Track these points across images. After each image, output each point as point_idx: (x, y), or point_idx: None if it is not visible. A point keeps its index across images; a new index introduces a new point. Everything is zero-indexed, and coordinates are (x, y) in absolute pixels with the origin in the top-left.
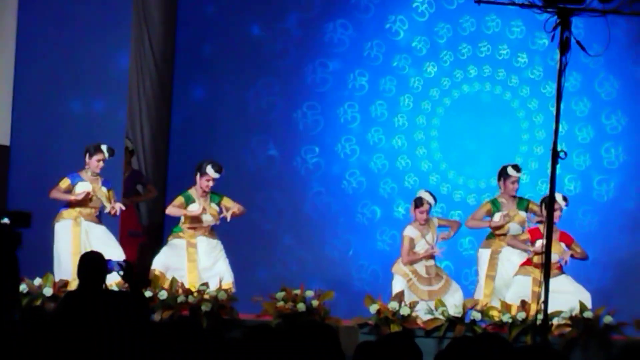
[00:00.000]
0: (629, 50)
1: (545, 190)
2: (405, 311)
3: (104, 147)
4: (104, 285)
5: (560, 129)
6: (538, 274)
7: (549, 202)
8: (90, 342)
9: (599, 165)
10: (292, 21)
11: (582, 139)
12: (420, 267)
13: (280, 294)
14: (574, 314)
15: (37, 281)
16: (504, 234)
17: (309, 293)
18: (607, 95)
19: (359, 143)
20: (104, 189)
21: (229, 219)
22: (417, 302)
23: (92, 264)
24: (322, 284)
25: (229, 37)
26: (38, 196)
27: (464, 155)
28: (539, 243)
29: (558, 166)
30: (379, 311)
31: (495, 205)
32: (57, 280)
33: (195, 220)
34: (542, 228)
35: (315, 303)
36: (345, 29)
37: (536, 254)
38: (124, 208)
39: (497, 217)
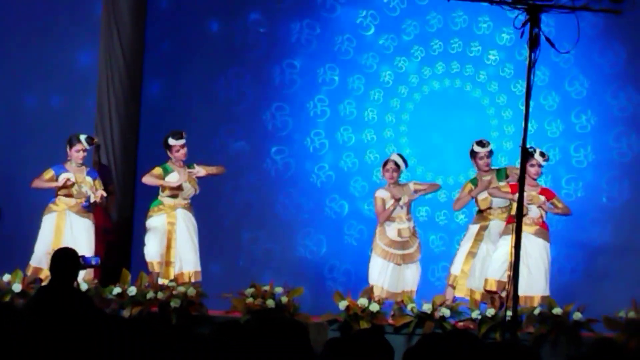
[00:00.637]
0: (596, 43)
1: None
2: (374, 307)
3: (82, 137)
4: (75, 283)
5: (530, 125)
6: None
7: (518, 200)
8: (59, 339)
9: (567, 160)
10: (257, 18)
11: (551, 134)
12: (393, 233)
13: (250, 290)
14: (538, 307)
15: (6, 277)
16: (490, 208)
17: (278, 289)
18: (577, 94)
19: (328, 138)
20: (89, 179)
21: (203, 173)
22: (385, 298)
23: (64, 260)
24: (289, 278)
25: (195, 33)
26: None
27: (432, 151)
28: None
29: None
30: (348, 307)
31: (474, 183)
32: (31, 262)
33: (176, 189)
34: None
35: (284, 299)
36: (312, 28)
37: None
38: (105, 195)
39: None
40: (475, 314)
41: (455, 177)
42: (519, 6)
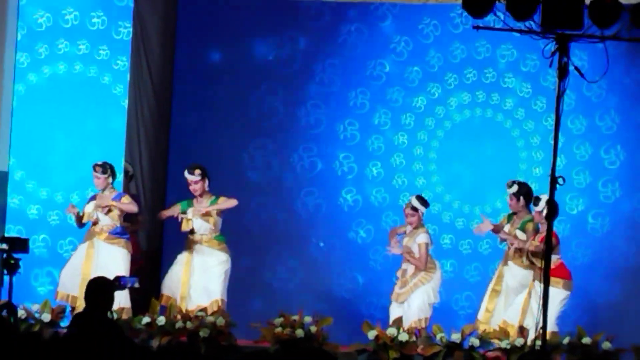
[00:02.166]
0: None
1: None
2: (403, 337)
3: (97, 166)
4: (109, 312)
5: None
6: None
7: (547, 232)
8: None
9: (600, 173)
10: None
11: (580, 157)
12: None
13: (279, 320)
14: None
15: (35, 307)
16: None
17: (307, 319)
18: (606, 127)
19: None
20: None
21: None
22: (415, 328)
23: (99, 290)
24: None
25: (227, 59)
26: None
27: (459, 179)
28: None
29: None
30: (377, 337)
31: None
32: (59, 289)
33: (185, 226)
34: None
35: (313, 329)
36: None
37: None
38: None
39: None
40: (504, 344)
41: (482, 206)
42: (547, 35)
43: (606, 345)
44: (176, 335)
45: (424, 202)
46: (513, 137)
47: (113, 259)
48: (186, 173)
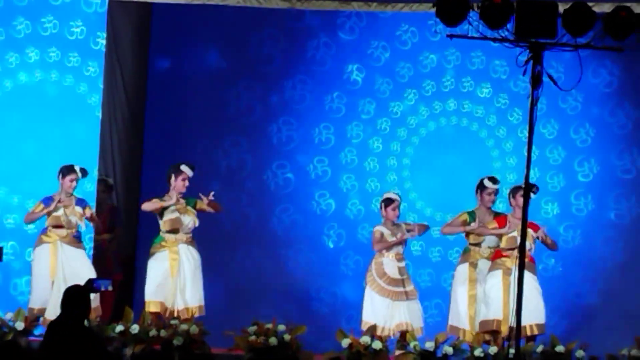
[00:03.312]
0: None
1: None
2: (377, 345)
3: (77, 168)
4: (85, 320)
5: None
6: (509, 263)
7: (522, 232)
8: None
9: (573, 183)
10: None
11: (553, 161)
12: (392, 270)
13: (252, 328)
14: (540, 345)
15: (9, 315)
16: (479, 244)
17: (281, 327)
18: (573, 110)
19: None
20: (78, 209)
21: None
22: (388, 337)
23: (76, 298)
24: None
25: (199, 68)
26: None
27: (433, 186)
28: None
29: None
30: (350, 345)
31: (472, 216)
32: (31, 305)
33: (175, 223)
34: (509, 216)
35: (287, 337)
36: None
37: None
38: (93, 213)
39: (474, 224)
40: (477, 352)
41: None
42: (521, 44)
43: (580, 353)
44: (150, 343)
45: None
46: (487, 145)
47: (83, 261)
48: (186, 167)
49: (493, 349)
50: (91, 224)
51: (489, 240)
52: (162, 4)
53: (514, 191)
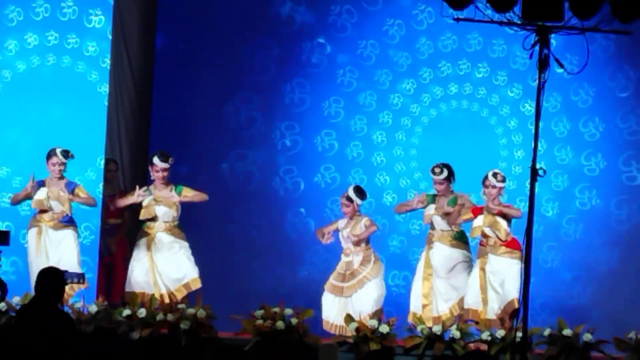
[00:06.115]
0: (607, 65)
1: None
2: (384, 329)
3: (58, 150)
4: (59, 302)
5: (540, 148)
6: (485, 251)
7: (527, 222)
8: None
9: (578, 180)
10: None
11: (560, 160)
12: (340, 265)
13: (259, 312)
14: (548, 328)
15: (16, 299)
16: (433, 229)
17: (288, 311)
18: (584, 103)
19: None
20: (63, 194)
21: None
22: (395, 319)
23: (49, 280)
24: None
25: (206, 58)
26: None
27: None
28: (480, 218)
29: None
30: (357, 329)
31: (430, 197)
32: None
33: (150, 212)
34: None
35: (294, 321)
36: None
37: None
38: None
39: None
40: (485, 336)
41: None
42: (528, 27)
43: (587, 337)
44: (157, 327)
45: (361, 194)
46: (495, 133)
47: (67, 244)
48: (157, 159)
49: (500, 332)
50: (85, 203)
51: (438, 222)
52: None
53: (484, 180)
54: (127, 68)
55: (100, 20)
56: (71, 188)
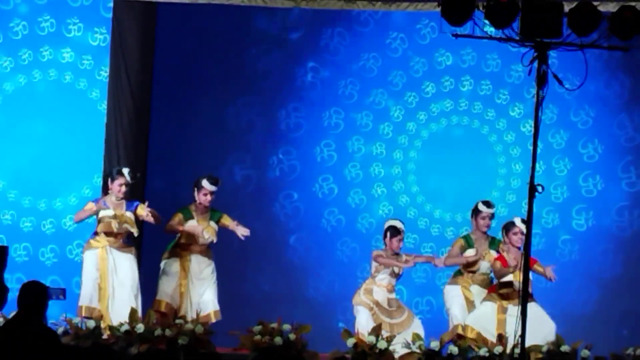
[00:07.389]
0: (601, 75)
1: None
2: (382, 345)
3: (125, 171)
4: (43, 317)
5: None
6: (503, 302)
7: (526, 238)
8: None
9: (577, 196)
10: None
11: (559, 172)
12: (382, 298)
13: (257, 328)
14: (546, 344)
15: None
16: (474, 271)
17: (286, 327)
18: (584, 124)
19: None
20: (128, 214)
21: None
22: (394, 336)
23: (32, 294)
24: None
25: (204, 73)
26: None
27: (440, 188)
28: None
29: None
30: (355, 345)
31: (468, 242)
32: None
33: (192, 237)
34: (506, 255)
35: (292, 337)
36: (316, 72)
37: (501, 284)
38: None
39: (471, 252)
40: (482, 352)
41: (463, 213)
42: (526, 44)
43: (585, 353)
44: (155, 342)
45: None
46: (494, 150)
47: (130, 267)
48: (206, 182)
49: (498, 349)
50: (151, 220)
51: (484, 268)
52: (167, 3)
53: (507, 228)
54: (125, 83)
55: (103, 38)
56: (133, 208)
